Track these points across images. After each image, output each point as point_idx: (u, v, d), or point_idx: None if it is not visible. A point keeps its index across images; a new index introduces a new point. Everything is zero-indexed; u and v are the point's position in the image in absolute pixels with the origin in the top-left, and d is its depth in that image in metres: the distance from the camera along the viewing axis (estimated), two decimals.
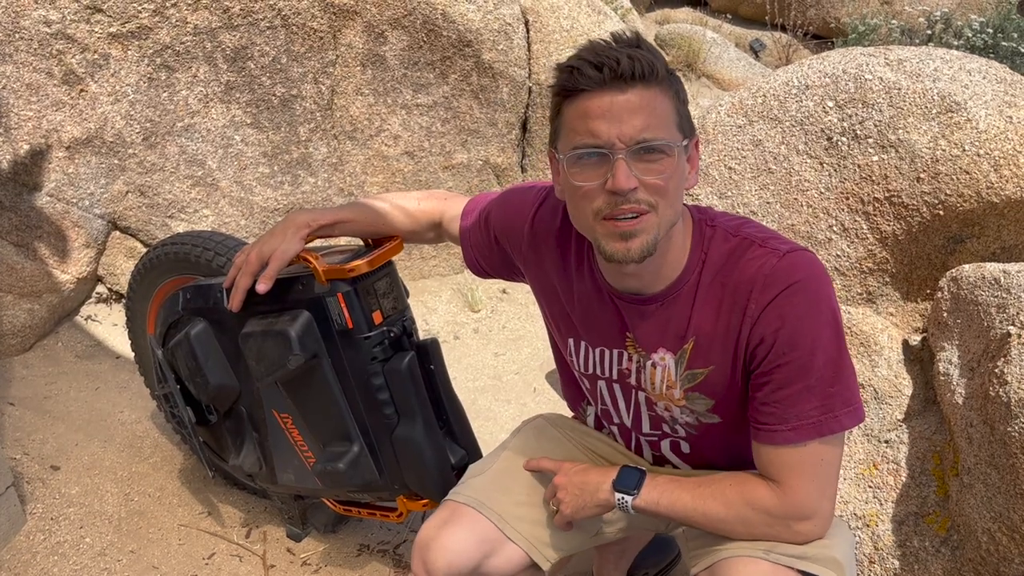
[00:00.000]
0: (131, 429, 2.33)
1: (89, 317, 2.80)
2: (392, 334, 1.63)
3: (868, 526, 1.93)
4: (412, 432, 1.65)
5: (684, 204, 1.26)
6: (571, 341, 1.43)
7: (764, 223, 1.99)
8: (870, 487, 1.94)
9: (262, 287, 1.54)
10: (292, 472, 1.80)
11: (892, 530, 1.89)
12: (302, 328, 1.60)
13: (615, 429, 1.51)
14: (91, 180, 2.66)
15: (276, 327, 1.62)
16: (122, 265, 2.81)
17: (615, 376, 1.40)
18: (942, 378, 1.76)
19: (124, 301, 2.19)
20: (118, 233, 2.80)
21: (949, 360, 1.75)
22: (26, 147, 2.55)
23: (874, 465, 1.94)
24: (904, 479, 1.89)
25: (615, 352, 1.36)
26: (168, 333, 1.86)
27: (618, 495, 1.30)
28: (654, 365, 1.32)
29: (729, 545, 1.27)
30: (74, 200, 2.65)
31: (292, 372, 1.63)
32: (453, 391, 1.74)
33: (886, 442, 1.93)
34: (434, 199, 1.65)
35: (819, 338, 1.17)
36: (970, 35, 4.56)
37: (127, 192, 2.74)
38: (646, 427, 1.43)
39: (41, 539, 1.88)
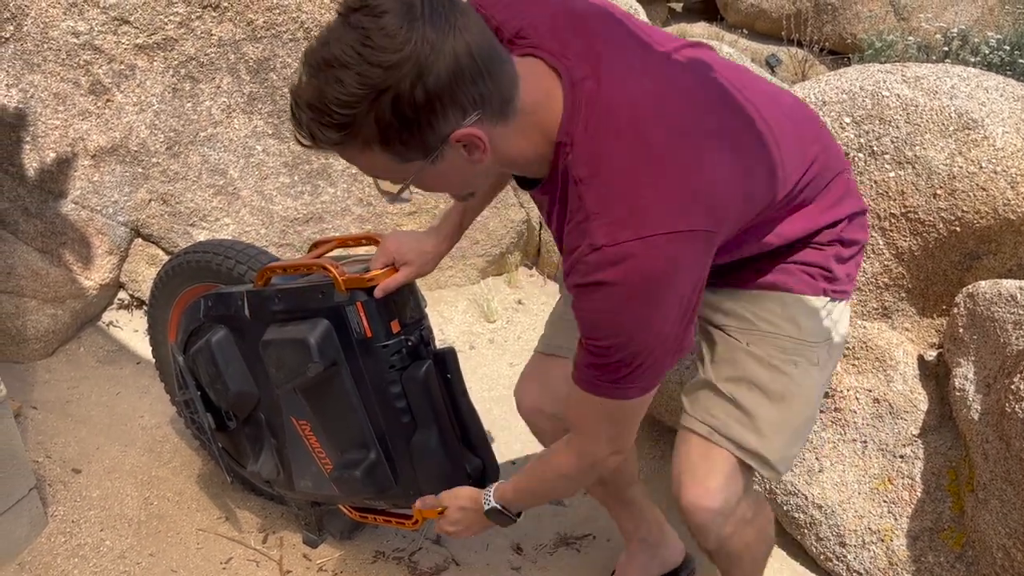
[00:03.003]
0: (151, 433, 2.36)
1: (111, 323, 2.83)
2: (410, 343, 1.65)
3: (883, 540, 1.93)
4: (429, 440, 1.66)
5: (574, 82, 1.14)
6: None
7: None
8: (885, 502, 1.94)
9: (378, 294, 1.57)
10: (309, 479, 1.82)
11: (907, 545, 1.89)
12: (321, 336, 1.62)
13: None
14: (115, 188, 2.70)
15: (296, 335, 1.64)
16: (144, 272, 2.84)
17: None
18: (958, 394, 1.77)
19: (146, 308, 2.22)
20: (140, 240, 2.84)
21: (965, 376, 1.76)
22: (52, 155, 2.59)
23: (889, 480, 1.94)
24: (919, 494, 1.89)
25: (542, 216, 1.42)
26: (189, 340, 1.89)
27: (483, 503, 1.53)
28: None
29: (686, 412, 1.49)
30: (98, 207, 2.69)
31: (311, 380, 1.65)
32: (470, 400, 1.75)
33: (901, 457, 1.93)
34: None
35: (612, 335, 1.16)
36: (987, 52, 4.56)
37: (150, 200, 2.78)
38: None
39: (62, 541, 1.91)
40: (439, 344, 1.75)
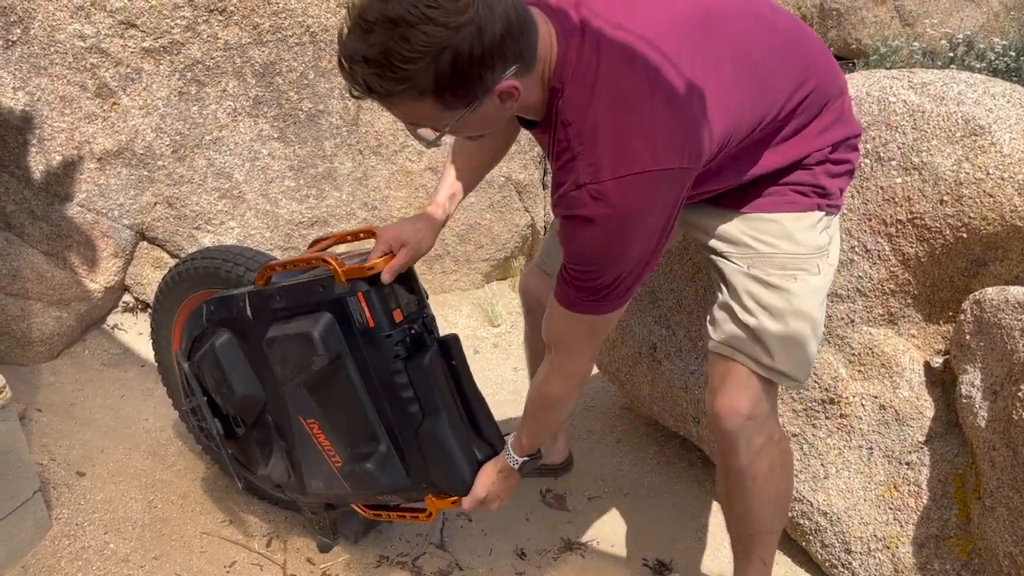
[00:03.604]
0: (155, 436, 2.36)
1: (115, 326, 2.84)
2: (413, 331, 1.65)
3: (888, 548, 1.92)
4: (437, 428, 1.65)
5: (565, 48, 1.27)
6: None
7: None
8: (891, 509, 1.93)
9: (387, 278, 1.59)
10: (321, 479, 1.81)
11: (912, 552, 1.89)
12: (324, 329, 1.62)
13: None
14: (121, 191, 2.71)
15: (299, 329, 1.64)
16: (149, 275, 2.85)
17: None
18: (964, 401, 1.76)
19: (150, 314, 2.20)
20: (145, 243, 2.85)
21: (971, 383, 1.75)
22: (59, 158, 2.60)
23: (895, 486, 1.94)
24: (925, 501, 1.89)
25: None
26: (193, 346, 1.89)
27: (512, 465, 1.64)
28: None
29: (710, 336, 1.62)
30: (104, 211, 2.70)
31: (316, 374, 1.65)
32: (476, 387, 1.75)
33: (907, 464, 1.92)
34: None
35: (594, 262, 1.31)
36: (992, 58, 4.55)
37: (155, 203, 2.78)
38: None
39: (66, 544, 1.91)
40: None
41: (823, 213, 1.55)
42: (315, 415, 1.74)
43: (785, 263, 1.54)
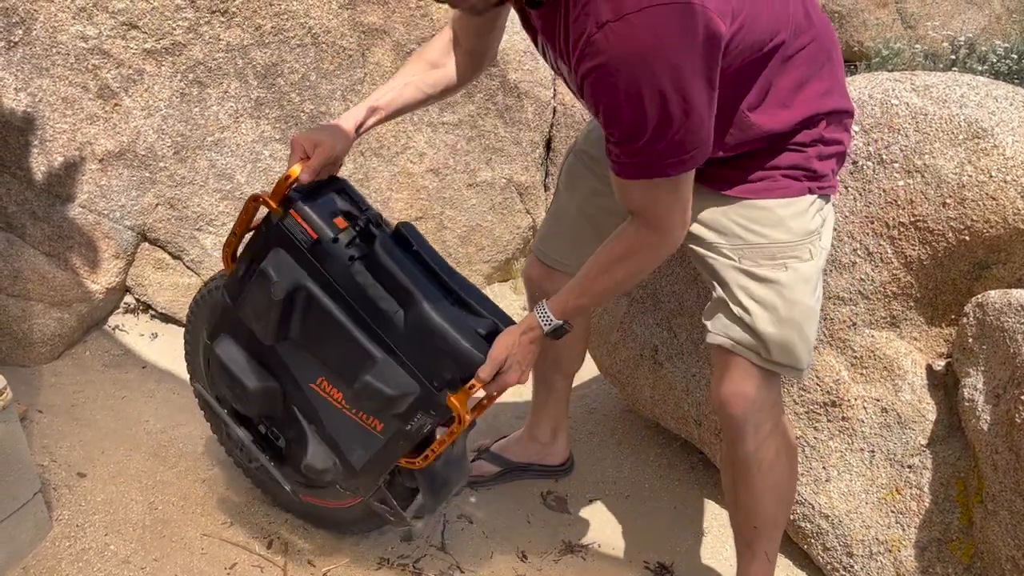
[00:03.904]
0: (156, 438, 2.35)
1: (117, 327, 2.83)
2: (358, 228, 1.63)
3: (890, 551, 1.92)
4: (420, 313, 1.59)
5: None
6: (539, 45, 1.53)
7: None
8: (893, 512, 1.93)
9: (305, 177, 1.57)
10: (358, 444, 1.75)
11: (915, 556, 1.88)
12: (274, 261, 1.62)
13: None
14: (122, 192, 2.71)
15: (254, 274, 1.66)
16: (150, 276, 2.85)
17: (558, 71, 1.50)
18: (967, 404, 1.76)
19: (184, 340, 2.15)
20: (147, 244, 2.84)
21: (974, 386, 1.75)
22: (60, 159, 2.60)
23: (897, 490, 1.93)
24: (927, 505, 1.88)
25: (546, 48, 1.47)
26: (208, 368, 1.90)
27: (543, 324, 1.53)
28: (559, 67, 1.45)
29: (709, 331, 1.63)
30: (105, 212, 2.70)
31: (288, 313, 1.64)
32: (453, 269, 1.70)
33: (909, 467, 1.92)
34: (415, 60, 1.73)
35: (633, 112, 1.24)
36: (994, 60, 4.55)
37: (157, 204, 2.78)
38: None
39: (67, 545, 1.90)
40: None
41: (815, 196, 1.58)
42: (319, 371, 1.71)
43: (775, 253, 1.55)
